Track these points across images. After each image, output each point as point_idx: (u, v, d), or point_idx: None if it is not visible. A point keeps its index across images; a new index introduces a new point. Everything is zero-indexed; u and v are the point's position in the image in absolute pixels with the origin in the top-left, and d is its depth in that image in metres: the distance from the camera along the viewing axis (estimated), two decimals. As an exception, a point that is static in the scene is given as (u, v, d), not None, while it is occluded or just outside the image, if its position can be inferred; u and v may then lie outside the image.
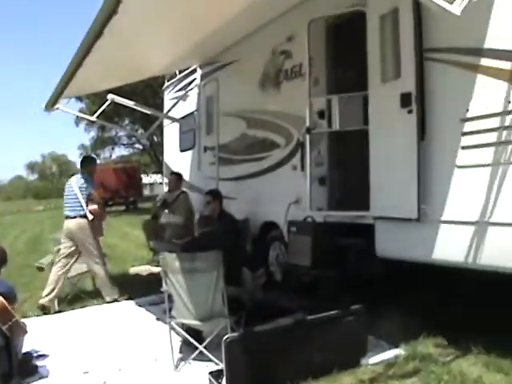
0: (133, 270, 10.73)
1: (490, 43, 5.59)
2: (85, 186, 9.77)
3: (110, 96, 12.51)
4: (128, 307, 9.29)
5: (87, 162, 10.57)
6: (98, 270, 9.81)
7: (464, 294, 7.40)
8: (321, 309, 5.88)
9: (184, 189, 11.70)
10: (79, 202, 9.64)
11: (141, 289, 9.89)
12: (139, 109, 14.70)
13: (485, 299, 7.08)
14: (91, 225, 9.69)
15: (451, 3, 4.48)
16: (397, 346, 6.20)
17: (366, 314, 5.98)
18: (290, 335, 5.58)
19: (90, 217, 9.65)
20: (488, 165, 5.56)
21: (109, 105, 13.03)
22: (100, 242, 10.10)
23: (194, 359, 6.12)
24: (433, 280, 7.56)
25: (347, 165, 8.14)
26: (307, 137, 8.08)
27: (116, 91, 12.73)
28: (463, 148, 5.84)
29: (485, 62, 5.64)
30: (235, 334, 5.47)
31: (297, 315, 5.77)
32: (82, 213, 9.63)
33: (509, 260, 5.38)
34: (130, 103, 13.45)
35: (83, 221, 9.64)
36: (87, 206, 9.65)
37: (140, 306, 9.18)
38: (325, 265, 7.32)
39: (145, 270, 9.62)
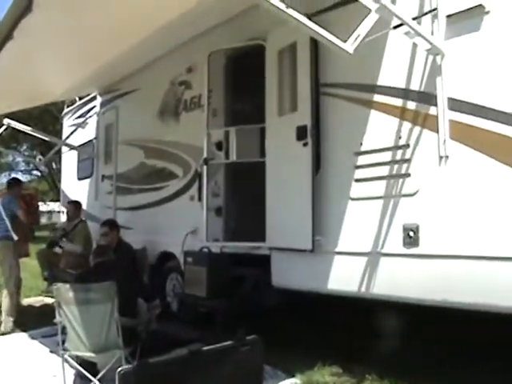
0: (26, 301, 10.46)
1: (382, 80, 5.81)
2: (9, 207, 9.72)
3: (6, 120, 12.25)
4: (20, 340, 8.89)
5: (12, 184, 10.61)
6: (6, 295, 9.55)
7: (360, 324, 7.53)
8: (216, 339, 5.86)
9: (83, 217, 11.50)
10: (5, 223, 9.56)
11: (34, 320, 9.52)
12: (36, 134, 14.41)
13: (381, 328, 7.23)
14: (15, 246, 9.68)
15: (345, 42, 4.63)
16: (293, 376, 6.24)
17: (262, 344, 5.98)
18: (186, 366, 5.52)
19: (15, 237, 9.55)
20: (380, 197, 5.74)
21: (5, 129, 12.72)
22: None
23: (88, 392, 5.97)
24: (330, 310, 7.66)
25: (244, 196, 8.15)
26: (205, 168, 8.13)
27: (13, 116, 12.44)
28: (356, 181, 6.01)
29: (377, 98, 5.85)
30: (129, 366, 5.37)
31: (192, 346, 5.73)
32: (6, 234, 9.55)
33: (398, 289, 5.56)
34: (26, 128, 13.18)
35: (7, 242, 9.59)
36: (12, 227, 9.56)
37: (33, 338, 8.80)
38: (220, 295, 7.31)
39: (38, 300, 9.41)
